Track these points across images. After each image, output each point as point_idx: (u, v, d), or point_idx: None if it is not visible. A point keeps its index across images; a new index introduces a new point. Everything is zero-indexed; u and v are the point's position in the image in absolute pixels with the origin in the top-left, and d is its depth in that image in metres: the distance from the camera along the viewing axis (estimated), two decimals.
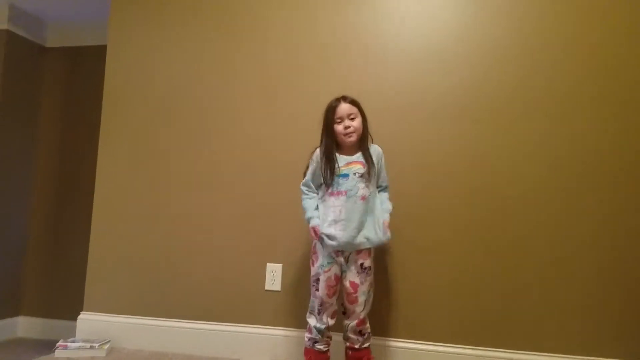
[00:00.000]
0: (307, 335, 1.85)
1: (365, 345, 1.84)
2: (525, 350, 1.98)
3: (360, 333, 1.83)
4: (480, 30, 2.16)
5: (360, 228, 1.77)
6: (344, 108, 1.83)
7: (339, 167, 1.81)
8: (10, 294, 3.09)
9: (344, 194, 1.78)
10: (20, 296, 3.14)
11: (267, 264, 2.26)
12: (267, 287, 2.25)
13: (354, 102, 1.85)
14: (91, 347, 2.21)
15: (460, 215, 2.10)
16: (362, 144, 1.86)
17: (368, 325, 1.85)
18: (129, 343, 2.33)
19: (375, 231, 1.80)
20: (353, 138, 1.82)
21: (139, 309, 2.37)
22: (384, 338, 2.10)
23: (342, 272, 1.82)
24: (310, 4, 2.34)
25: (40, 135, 3.26)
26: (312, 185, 1.89)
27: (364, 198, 1.79)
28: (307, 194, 1.89)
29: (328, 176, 1.81)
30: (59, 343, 2.23)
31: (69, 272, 3.09)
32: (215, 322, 2.28)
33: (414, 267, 2.11)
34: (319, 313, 1.82)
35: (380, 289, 2.12)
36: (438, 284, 2.09)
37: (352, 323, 1.82)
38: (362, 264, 1.80)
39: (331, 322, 1.84)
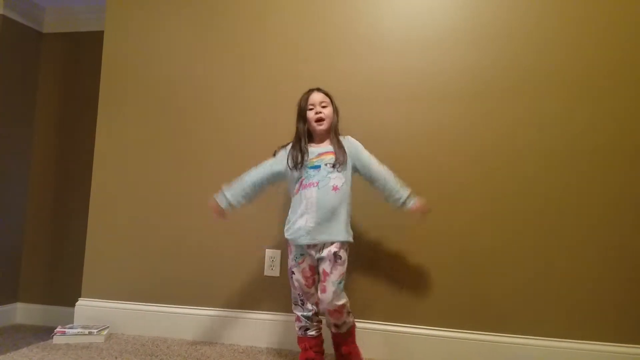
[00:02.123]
0: (297, 324, 1.85)
1: (345, 334, 1.81)
2: (523, 335, 1.98)
3: (336, 326, 1.78)
4: (485, 15, 2.14)
5: (330, 220, 1.75)
6: (317, 97, 1.87)
7: (308, 159, 1.82)
8: (8, 280, 3.07)
9: (315, 184, 1.78)
10: (18, 283, 3.13)
11: (266, 250, 2.25)
12: (266, 273, 2.24)
13: (327, 93, 1.90)
14: (90, 333, 2.20)
15: (460, 197, 2.09)
16: (332, 134, 1.88)
17: (344, 318, 1.77)
18: (127, 329, 2.33)
19: (345, 226, 1.78)
20: (324, 126, 1.85)
21: (137, 295, 2.36)
22: (376, 322, 2.10)
23: (317, 260, 1.79)
24: None
25: (38, 122, 3.23)
26: (267, 163, 1.90)
27: (335, 188, 1.77)
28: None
29: (299, 160, 1.81)
30: (57, 329, 2.22)
31: (67, 259, 3.07)
32: (214, 307, 2.28)
33: (409, 251, 2.11)
34: (302, 303, 1.83)
35: (371, 273, 2.12)
36: (434, 267, 2.08)
37: (326, 313, 1.77)
38: (335, 253, 1.75)
39: (316, 308, 1.83)
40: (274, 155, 1.92)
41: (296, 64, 2.30)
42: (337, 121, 1.91)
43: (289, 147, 1.89)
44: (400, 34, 2.20)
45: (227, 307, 2.26)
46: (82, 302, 2.41)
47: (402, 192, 1.81)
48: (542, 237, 2.01)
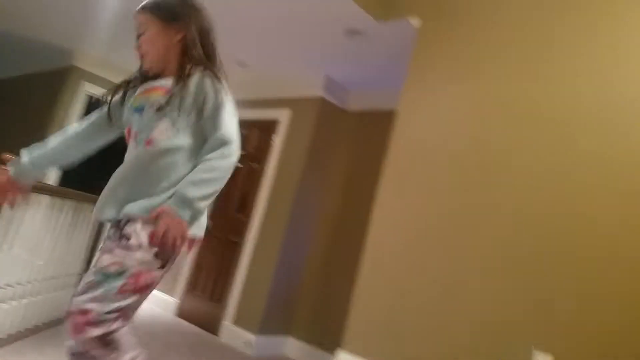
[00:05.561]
0: None
1: None
2: None
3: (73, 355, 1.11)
4: None
5: (129, 189, 1.20)
6: (135, 21, 1.30)
7: (132, 97, 1.27)
8: (285, 315, 3.53)
9: (133, 136, 1.25)
10: (292, 319, 3.55)
11: None
12: None
13: (146, 7, 1.28)
14: None
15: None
16: (179, 67, 1.25)
17: (94, 349, 1.08)
18: None
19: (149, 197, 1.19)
20: (147, 63, 1.28)
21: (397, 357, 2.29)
22: None
23: None
24: None
25: (329, 184, 3.73)
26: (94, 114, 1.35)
27: (150, 143, 1.20)
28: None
29: (114, 105, 1.31)
30: None
31: (336, 306, 3.26)
32: None
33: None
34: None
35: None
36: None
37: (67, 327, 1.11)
38: (122, 231, 1.18)
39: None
40: None
41: None
42: (189, 41, 1.26)
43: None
44: None
45: None
46: (341, 354, 2.44)
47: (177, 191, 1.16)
48: None
